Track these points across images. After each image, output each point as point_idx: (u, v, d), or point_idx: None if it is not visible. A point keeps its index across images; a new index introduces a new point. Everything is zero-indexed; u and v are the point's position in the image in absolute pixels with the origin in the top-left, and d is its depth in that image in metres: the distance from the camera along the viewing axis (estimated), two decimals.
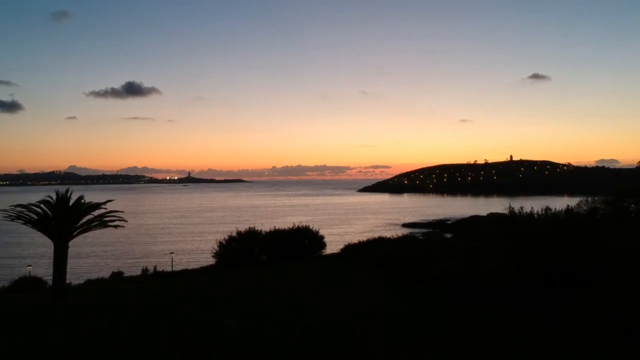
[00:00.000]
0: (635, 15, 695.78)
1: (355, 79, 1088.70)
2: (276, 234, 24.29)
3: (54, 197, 14.15)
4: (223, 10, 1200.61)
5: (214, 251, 25.41)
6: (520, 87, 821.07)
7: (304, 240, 23.72)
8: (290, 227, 24.84)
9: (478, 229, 29.57)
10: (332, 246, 67.28)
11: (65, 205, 14.12)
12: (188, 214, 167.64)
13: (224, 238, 24.27)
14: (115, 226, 14.58)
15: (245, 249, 23.05)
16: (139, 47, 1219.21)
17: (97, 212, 14.39)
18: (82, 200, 14.62)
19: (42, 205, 14.09)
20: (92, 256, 63.09)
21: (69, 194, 14.40)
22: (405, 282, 13.96)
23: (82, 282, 35.34)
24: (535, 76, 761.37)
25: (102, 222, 14.37)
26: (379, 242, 22.73)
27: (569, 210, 22.30)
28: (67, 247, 14.16)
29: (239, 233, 24.08)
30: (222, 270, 22.57)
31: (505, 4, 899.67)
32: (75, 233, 14.20)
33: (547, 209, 15.18)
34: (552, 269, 11.95)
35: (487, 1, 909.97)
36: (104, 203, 14.74)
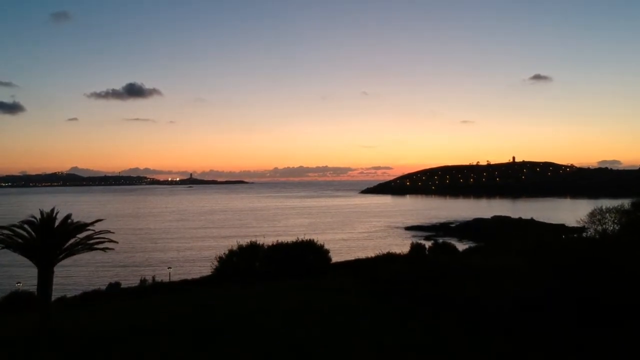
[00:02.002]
0: (637, 15, 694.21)
1: (356, 79, 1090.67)
2: (279, 247, 23.09)
3: (38, 217, 13.01)
4: (224, 11, 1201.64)
5: (214, 265, 24.22)
6: (521, 87, 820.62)
7: (308, 255, 22.50)
8: (294, 240, 23.62)
9: (495, 243, 28.41)
10: (336, 253, 66.01)
11: (51, 227, 12.99)
12: (190, 217, 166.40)
13: (224, 253, 23.10)
14: (104, 249, 13.44)
15: (245, 265, 21.88)
16: (140, 48, 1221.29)
17: (85, 234, 13.25)
18: (70, 220, 13.49)
19: (25, 226, 12.93)
20: (91, 263, 61.86)
21: (54, 213, 13.28)
22: (420, 313, 12.74)
23: (78, 293, 34.30)
24: (537, 77, 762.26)
25: (88, 245, 13.19)
26: (388, 258, 21.52)
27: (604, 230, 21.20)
28: (52, 272, 13.04)
29: (239, 247, 22.89)
30: (208, 289, 21.45)
31: (506, 4, 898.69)
32: (61, 256, 13.08)
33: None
34: (589, 299, 10.74)
35: (489, 2, 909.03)
36: (92, 223, 13.59)
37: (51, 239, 12.80)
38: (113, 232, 13.90)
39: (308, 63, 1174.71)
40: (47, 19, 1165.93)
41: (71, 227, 13.29)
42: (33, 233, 12.95)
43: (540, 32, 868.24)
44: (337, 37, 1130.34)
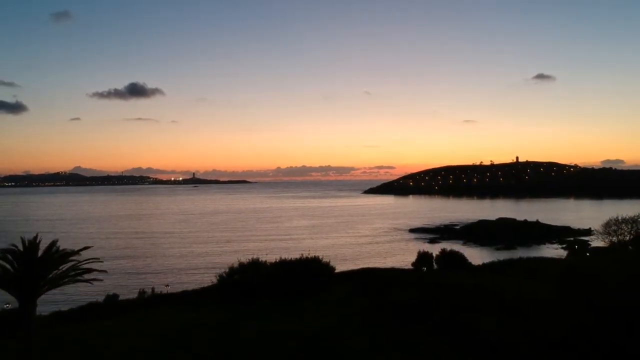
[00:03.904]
0: None
1: (359, 79, 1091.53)
2: (282, 264, 21.97)
3: (20, 245, 11.88)
4: (226, 11, 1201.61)
5: (214, 280, 23.15)
6: (524, 87, 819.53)
7: (313, 272, 21.36)
8: (298, 257, 22.52)
9: (513, 263, 27.18)
10: (340, 259, 64.82)
11: (34, 257, 11.86)
12: (192, 219, 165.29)
13: (224, 271, 21.98)
14: (91, 281, 12.30)
15: (246, 282, 20.76)
16: (142, 48, 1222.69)
17: (70, 263, 12.12)
18: (55, 247, 12.37)
19: (7, 256, 11.80)
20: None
21: (37, 240, 12.17)
22: (436, 349, 11.52)
23: (74, 305, 33.22)
24: (540, 76, 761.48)
25: (72, 278, 12.03)
26: (396, 274, 20.34)
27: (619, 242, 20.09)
28: (35, 305, 11.93)
29: (240, 264, 21.80)
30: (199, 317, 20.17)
31: (509, 4, 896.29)
32: (44, 289, 11.97)
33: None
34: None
35: (492, 1, 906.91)
36: (79, 252, 12.45)
37: (34, 271, 11.66)
38: (102, 261, 12.76)
39: (310, 63, 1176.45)
40: (48, 19, 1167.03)
41: (56, 256, 12.15)
42: (15, 263, 11.83)
43: (543, 31, 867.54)
44: (340, 37, 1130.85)
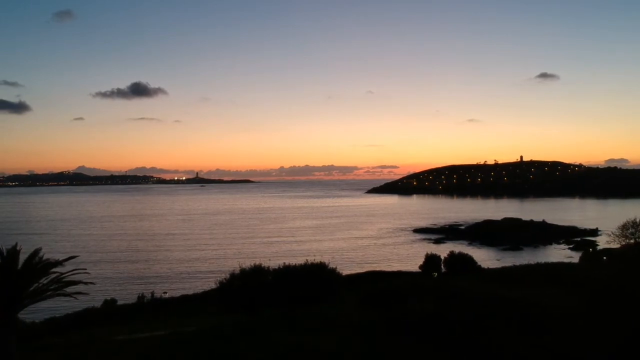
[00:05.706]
0: None
1: (362, 79, 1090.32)
2: (285, 271, 20.88)
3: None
4: (229, 11, 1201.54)
5: (214, 286, 22.10)
6: (528, 86, 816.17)
7: (318, 279, 20.27)
8: (302, 262, 21.44)
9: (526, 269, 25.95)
10: (344, 262, 63.59)
11: (14, 268, 10.78)
12: (195, 219, 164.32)
13: (225, 277, 20.90)
14: (75, 295, 11.21)
15: (248, 290, 19.68)
16: (145, 48, 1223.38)
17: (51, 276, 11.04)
18: (39, 256, 11.29)
19: None
20: (90, 271, 59.78)
21: (18, 248, 11.10)
22: None
23: (70, 312, 32.20)
24: (544, 75, 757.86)
25: (54, 292, 10.92)
26: (405, 280, 19.10)
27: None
28: (14, 322, 10.84)
29: (242, 270, 20.71)
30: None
31: (512, 3, 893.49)
32: (24, 303, 10.90)
33: None
34: None
35: (495, 1, 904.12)
36: (62, 262, 11.39)
37: (12, 284, 10.55)
38: (89, 272, 11.68)
39: (314, 62, 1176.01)
40: (51, 19, 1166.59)
41: (40, 264, 11.03)
42: None
43: (547, 30, 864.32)
44: (342, 37, 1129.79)
